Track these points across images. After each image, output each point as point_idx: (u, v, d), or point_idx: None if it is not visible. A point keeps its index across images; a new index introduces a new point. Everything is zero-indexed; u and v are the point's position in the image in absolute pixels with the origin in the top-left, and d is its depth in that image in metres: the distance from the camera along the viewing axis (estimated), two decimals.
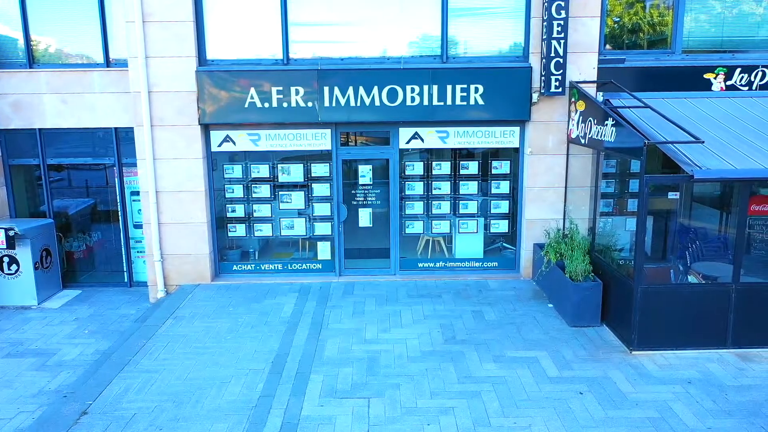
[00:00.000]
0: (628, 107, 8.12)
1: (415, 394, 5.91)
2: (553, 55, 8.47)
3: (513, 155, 9.40)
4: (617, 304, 7.24)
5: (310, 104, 8.83)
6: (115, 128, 9.64)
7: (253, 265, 9.66)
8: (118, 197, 9.93)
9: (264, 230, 9.64)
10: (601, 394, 5.88)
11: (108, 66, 9.47)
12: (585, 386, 6.03)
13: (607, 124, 7.34)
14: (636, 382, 6.10)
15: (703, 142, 6.48)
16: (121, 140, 9.69)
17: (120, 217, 9.99)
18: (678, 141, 6.52)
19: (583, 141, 8.26)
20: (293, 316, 7.97)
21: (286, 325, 7.69)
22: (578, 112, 8.44)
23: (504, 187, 9.53)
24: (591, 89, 8.70)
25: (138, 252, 10.08)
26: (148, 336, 7.41)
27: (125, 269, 10.18)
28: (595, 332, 7.34)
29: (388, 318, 7.86)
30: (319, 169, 9.43)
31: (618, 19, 9.16)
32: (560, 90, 8.58)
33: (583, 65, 8.76)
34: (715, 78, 8.92)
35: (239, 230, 9.63)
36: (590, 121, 7.94)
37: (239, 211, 9.57)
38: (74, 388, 6.32)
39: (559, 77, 8.54)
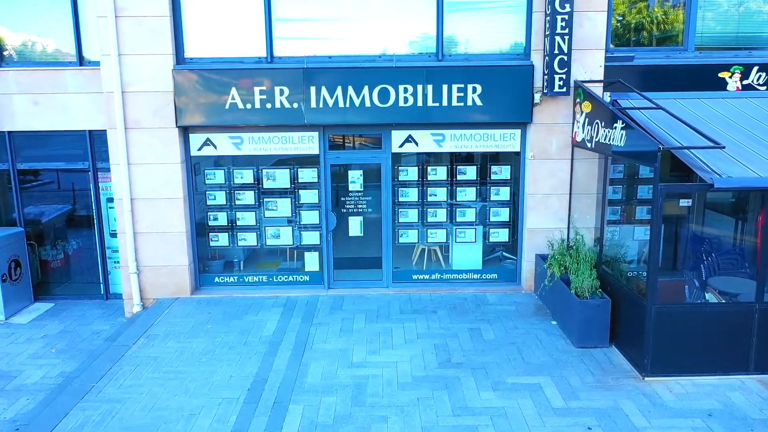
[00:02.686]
0: (638, 108, 7.50)
1: (405, 430, 5.30)
2: (556, 52, 7.86)
3: (513, 159, 8.79)
4: (627, 324, 6.63)
5: (295, 105, 8.22)
6: (90, 131, 9.03)
7: (236, 277, 9.05)
8: (93, 204, 9.32)
9: (248, 239, 9.03)
10: (612, 430, 5.26)
11: (81, 65, 8.86)
12: (594, 420, 5.42)
13: (616, 127, 6.73)
14: (650, 415, 5.49)
15: (724, 147, 5.86)
16: (95, 143, 9.08)
17: (96, 225, 9.38)
18: (697, 146, 5.90)
19: (589, 145, 7.65)
20: (275, 334, 7.36)
21: (267, 345, 7.08)
22: (584, 114, 7.83)
23: (504, 193, 8.92)
24: (597, 89, 8.09)
25: (115, 262, 9.47)
26: (115, 358, 6.80)
27: (101, 280, 9.57)
28: (604, 354, 6.72)
29: (378, 337, 7.25)
30: (307, 175, 8.82)
31: (622, 17, 8.55)
32: (564, 90, 7.97)
33: (589, 63, 8.15)
34: (730, 77, 8.31)
35: (222, 239, 9.02)
36: (597, 123, 7.33)
37: (221, 219, 8.96)
38: (29, 418, 5.71)
39: (563, 76, 7.93)
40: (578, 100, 8.03)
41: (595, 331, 6.85)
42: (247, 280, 9.04)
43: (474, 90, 8.19)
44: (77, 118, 8.92)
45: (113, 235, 9.35)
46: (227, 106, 8.22)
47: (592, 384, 6.06)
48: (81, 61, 8.87)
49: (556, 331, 7.37)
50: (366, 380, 6.20)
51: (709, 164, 5.98)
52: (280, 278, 9.05)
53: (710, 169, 5.88)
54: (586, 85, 7.97)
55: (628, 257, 8.06)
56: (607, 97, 8.15)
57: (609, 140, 6.94)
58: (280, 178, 8.85)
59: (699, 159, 6.08)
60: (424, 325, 7.58)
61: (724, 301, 6.69)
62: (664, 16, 8.56)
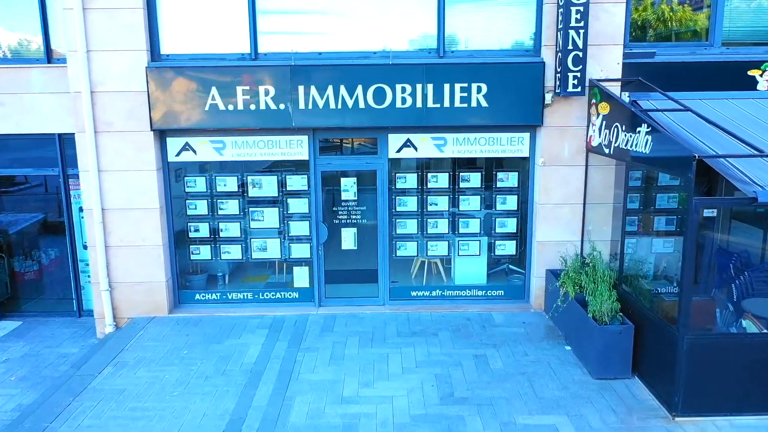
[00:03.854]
0: (661, 110, 6.76)
1: None
2: (570, 48, 7.11)
3: (522, 165, 8.04)
4: (653, 353, 5.88)
5: (282, 106, 7.47)
6: (59, 134, 8.28)
7: (219, 294, 8.30)
8: (64, 214, 8.58)
9: (232, 252, 8.28)
10: None
11: (50, 62, 8.10)
12: None
13: (639, 132, 5.98)
14: None
15: None
16: (66, 148, 8.33)
17: (67, 237, 8.63)
18: (739, 155, 5.15)
19: (606, 150, 6.90)
20: (258, 362, 6.61)
21: (248, 375, 6.32)
22: (600, 116, 7.08)
23: (511, 202, 8.17)
24: (615, 89, 7.34)
25: (88, 276, 8.70)
26: (77, 391, 6.05)
27: (74, 296, 8.82)
28: (626, 387, 5.97)
29: (372, 365, 6.50)
30: (296, 182, 8.07)
31: (635, 12, 7.81)
32: (579, 89, 7.22)
33: (606, 60, 7.40)
34: (761, 75, 7.56)
35: (203, 252, 8.27)
36: (616, 127, 6.58)
37: (203, 230, 8.22)
38: None
39: (578, 74, 7.18)
40: (594, 100, 7.29)
41: (616, 361, 6.10)
42: (230, 297, 8.29)
43: (479, 89, 7.44)
44: (45, 120, 8.16)
45: (87, 247, 8.60)
46: (207, 108, 7.47)
47: (616, 425, 5.31)
48: (49, 58, 8.11)
49: (570, 358, 6.62)
50: (357, 420, 5.45)
51: (749, 174, 5.23)
52: (267, 295, 8.30)
53: (751, 180, 5.13)
54: (602, 84, 7.22)
55: (651, 275, 7.31)
56: (625, 97, 7.40)
57: (631, 146, 6.19)
58: (267, 185, 8.10)
59: (737, 169, 5.32)
60: (424, 351, 6.83)
61: (763, 327, 5.93)
62: (689, 7, 7.81)
